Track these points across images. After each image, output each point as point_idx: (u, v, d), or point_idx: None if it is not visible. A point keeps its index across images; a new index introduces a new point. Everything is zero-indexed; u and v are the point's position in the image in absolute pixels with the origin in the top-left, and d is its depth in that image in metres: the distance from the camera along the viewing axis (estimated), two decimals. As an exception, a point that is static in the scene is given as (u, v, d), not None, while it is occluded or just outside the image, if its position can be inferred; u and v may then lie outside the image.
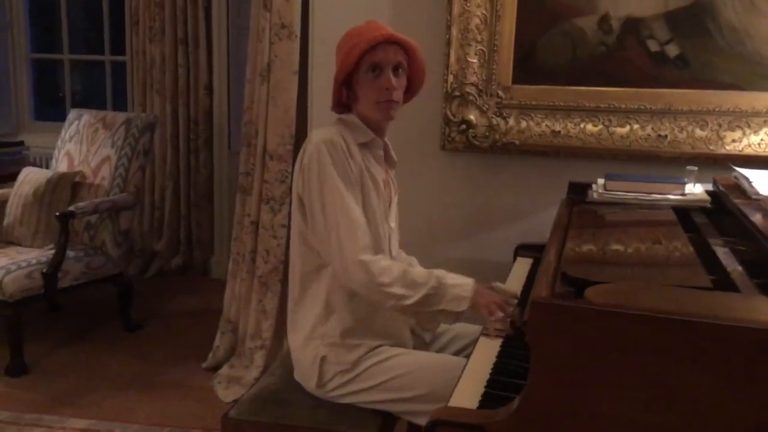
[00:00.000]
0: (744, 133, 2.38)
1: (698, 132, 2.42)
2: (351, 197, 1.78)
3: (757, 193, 1.89)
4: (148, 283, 4.43)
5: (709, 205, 2.10)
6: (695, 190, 2.21)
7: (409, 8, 2.65)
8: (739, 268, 1.51)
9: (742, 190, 2.04)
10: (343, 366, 1.84)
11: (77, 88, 5.41)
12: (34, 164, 4.42)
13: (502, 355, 1.59)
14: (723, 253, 1.62)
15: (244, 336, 3.07)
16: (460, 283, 1.74)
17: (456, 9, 2.52)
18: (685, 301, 1.18)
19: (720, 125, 2.40)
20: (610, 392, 1.14)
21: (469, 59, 2.55)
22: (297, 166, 1.88)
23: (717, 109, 2.40)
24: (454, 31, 2.54)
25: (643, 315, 1.11)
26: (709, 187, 2.28)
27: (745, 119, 2.38)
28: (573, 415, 1.16)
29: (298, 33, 2.77)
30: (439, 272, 1.77)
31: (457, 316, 1.76)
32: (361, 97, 1.84)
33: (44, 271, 3.15)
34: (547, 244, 1.82)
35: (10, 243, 3.48)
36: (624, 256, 1.58)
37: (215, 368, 3.12)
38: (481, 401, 1.37)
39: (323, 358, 1.84)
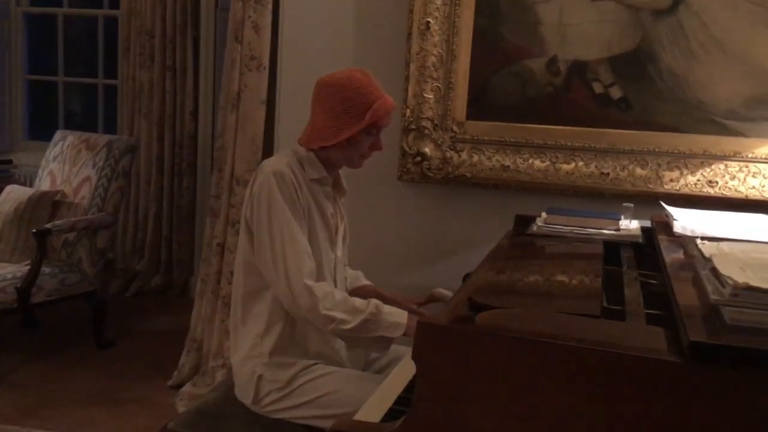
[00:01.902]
0: (681, 173, 2.48)
1: (639, 171, 2.52)
2: (297, 226, 1.88)
3: (678, 231, 1.99)
4: (127, 301, 4.53)
5: (640, 241, 2.20)
6: (631, 225, 2.31)
7: (373, 44, 2.78)
8: (640, 299, 1.61)
9: (669, 227, 2.14)
10: (278, 384, 1.93)
11: (75, 109, 5.57)
12: (22, 182, 4.56)
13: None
14: (632, 286, 1.72)
15: (207, 355, 3.16)
16: (395, 311, 1.88)
17: (414, 47, 2.65)
18: (560, 327, 1.27)
19: (659, 165, 2.51)
20: (487, 408, 1.23)
21: (425, 95, 2.67)
22: (247, 193, 1.99)
23: (657, 150, 2.51)
24: (412, 68, 2.66)
25: (514, 337, 1.20)
26: (648, 223, 2.38)
27: (683, 160, 2.49)
28: (454, 428, 1.25)
29: (267, 64, 2.91)
30: (376, 300, 1.90)
31: (389, 344, 1.88)
32: (349, 148, 1.95)
33: (18, 286, 3.25)
34: (475, 271, 1.92)
35: (-11, 258, 3.59)
36: (533, 286, 1.67)
37: (180, 386, 3.20)
38: (384, 416, 1.46)
39: (260, 376, 1.94)
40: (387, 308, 1.88)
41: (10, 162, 4.41)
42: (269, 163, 1.96)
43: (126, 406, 3.07)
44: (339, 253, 2.09)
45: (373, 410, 1.50)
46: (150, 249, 4.67)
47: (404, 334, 1.85)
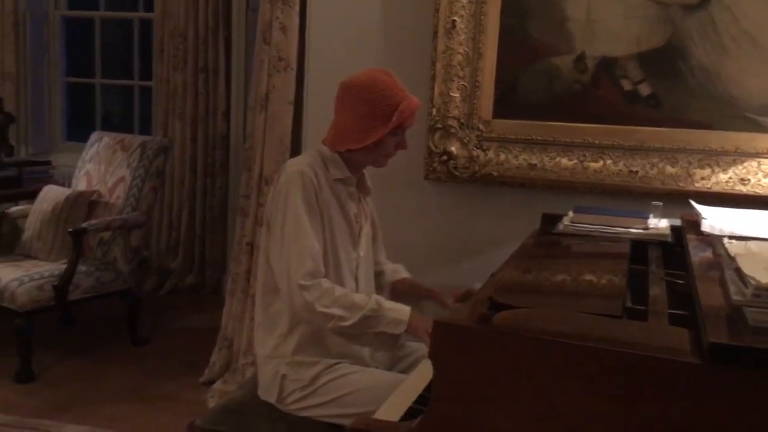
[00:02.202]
0: (713, 171, 2.44)
1: (669, 169, 2.48)
2: (310, 226, 1.89)
3: (706, 230, 1.95)
4: (162, 299, 4.61)
5: (669, 240, 2.17)
6: (660, 224, 2.28)
7: (398, 44, 2.78)
8: (665, 299, 1.58)
9: (699, 226, 2.10)
10: (301, 383, 1.94)
11: (112, 109, 5.67)
12: (61, 183, 4.66)
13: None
14: (657, 286, 1.69)
15: (238, 352, 3.19)
16: (398, 308, 1.87)
17: (440, 46, 2.64)
18: (580, 327, 1.26)
19: (690, 163, 2.47)
20: (504, 407, 1.23)
21: (451, 94, 2.66)
22: (271, 191, 2.01)
23: (687, 147, 2.47)
24: (438, 67, 2.66)
25: (532, 337, 1.20)
26: (678, 222, 2.34)
27: (714, 158, 2.44)
28: (471, 428, 1.24)
29: (295, 65, 2.93)
30: (379, 297, 1.90)
31: (396, 342, 1.87)
32: (375, 149, 1.96)
33: (55, 284, 3.33)
34: (499, 270, 1.92)
35: (28, 257, 3.68)
36: (556, 285, 1.66)
37: (211, 383, 3.25)
38: (403, 415, 1.47)
39: (283, 376, 1.95)
40: (389, 304, 1.87)
41: (48, 163, 4.52)
42: (292, 163, 1.98)
43: (158, 402, 3.12)
44: (362, 252, 2.10)
45: (392, 409, 1.50)
46: (184, 248, 4.75)
47: (406, 332, 1.85)
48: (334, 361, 1.97)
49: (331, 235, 1.96)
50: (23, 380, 3.25)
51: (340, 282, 1.96)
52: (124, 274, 3.69)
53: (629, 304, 1.61)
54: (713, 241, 1.90)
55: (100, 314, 4.06)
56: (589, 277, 1.71)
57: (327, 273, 1.92)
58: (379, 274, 2.28)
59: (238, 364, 3.17)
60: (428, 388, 1.62)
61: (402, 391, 1.60)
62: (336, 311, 1.81)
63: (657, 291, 1.65)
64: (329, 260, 1.95)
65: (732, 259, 1.47)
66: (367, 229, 2.14)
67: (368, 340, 1.88)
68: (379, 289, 2.31)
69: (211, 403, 3.07)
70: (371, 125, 1.91)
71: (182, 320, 4.25)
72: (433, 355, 1.26)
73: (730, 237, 1.76)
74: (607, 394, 1.16)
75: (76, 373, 3.38)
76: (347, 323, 1.82)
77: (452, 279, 2.77)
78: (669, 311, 1.50)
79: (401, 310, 1.85)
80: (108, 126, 5.32)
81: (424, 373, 1.71)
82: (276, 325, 1.99)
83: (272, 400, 1.97)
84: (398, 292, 2.26)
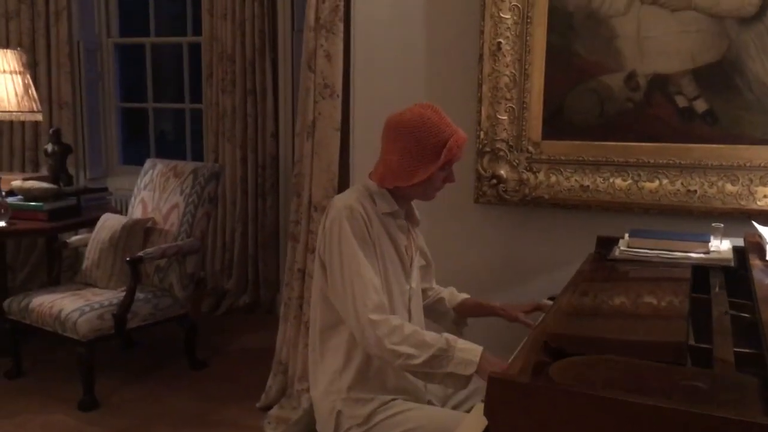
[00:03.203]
0: (776, 189, 2.34)
1: (729, 187, 2.40)
2: (365, 260, 1.88)
3: (772, 256, 1.88)
4: (218, 320, 4.68)
5: (731, 264, 2.09)
6: (721, 247, 2.20)
7: (443, 68, 2.76)
8: (730, 337, 1.52)
9: (763, 250, 2.02)
10: (357, 420, 1.94)
11: (166, 128, 5.79)
12: (117, 207, 4.79)
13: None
14: (720, 320, 1.63)
15: (293, 378, 3.21)
16: (469, 348, 1.81)
17: (486, 69, 2.61)
18: (641, 379, 1.22)
19: (751, 180, 2.37)
20: (563, 466, 1.19)
21: (499, 116, 2.63)
22: (320, 228, 2.01)
23: (747, 164, 2.38)
24: (485, 90, 2.62)
25: (587, 394, 1.16)
26: (740, 241, 2.26)
27: (776, 174, 2.35)
28: (529, 486, 1.21)
29: (340, 92, 2.93)
30: (450, 336, 1.85)
31: (466, 382, 1.82)
32: (422, 184, 1.94)
33: (114, 312, 3.41)
34: (556, 301, 1.87)
35: (88, 285, 3.77)
36: (613, 324, 1.61)
37: (268, 408, 3.27)
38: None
39: (339, 412, 1.95)
40: (461, 344, 1.81)
41: (105, 189, 4.63)
42: (340, 198, 1.98)
43: (218, 428, 3.17)
44: (413, 284, 2.08)
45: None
46: (238, 268, 4.81)
47: (476, 373, 1.79)
48: (389, 397, 1.96)
49: (383, 268, 1.95)
50: (87, 408, 3.33)
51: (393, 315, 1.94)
52: (180, 300, 3.76)
53: (692, 341, 1.55)
54: (779, 268, 1.83)
55: (159, 338, 4.14)
56: (648, 310, 1.65)
57: None
58: (438, 302, 2.27)
59: (293, 390, 3.19)
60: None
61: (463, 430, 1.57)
62: (405, 349, 1.79)
63: (720, 326, 1.58)
64: (383, 293, 1.94)
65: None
66: (417, 260, 2.13)
67: (439, 379, 1.83)
68: (440, 316, 2.29)
69: (269, 430, 3.10)
70: (420, 163, 1.90)
71: (238, 341, 4.30)
72: (488, 411, 1.24)
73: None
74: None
75: (138, 400, 3.45)
76: (416, 362, 1.79)
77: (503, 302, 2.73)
78: (735, 350, 1.44)
79: (472, 351, 1.80)
80: (162, 148, 5.45)
81: (480, 413, 1.68)
82: (332, 361, 1.98)
83: (328, 436, 1.97)
84: (463, 314, 2.25)
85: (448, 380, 1.83)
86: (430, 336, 1.83)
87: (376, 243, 1.94)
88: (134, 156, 5.59)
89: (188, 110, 5.28)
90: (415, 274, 2.11)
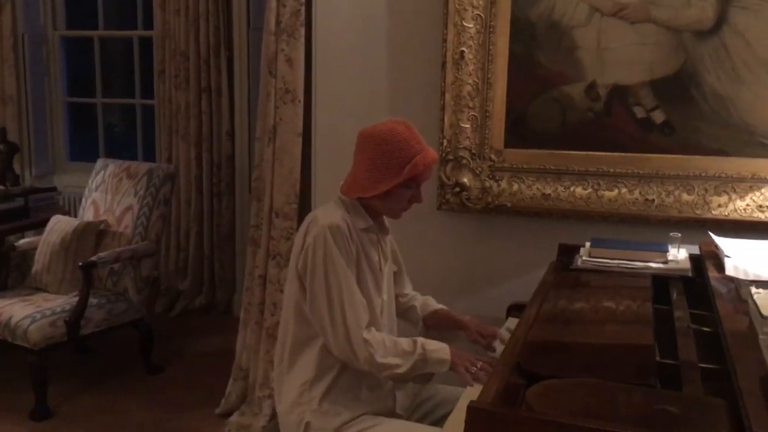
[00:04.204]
0: (730, 198, 2.42)
1: (685, 196, 2.46)
2: (353, 280, 1.92)
3: (730, 273, 1.93)
4: (173, 321, 4.60)
5: (689, 275, 2.15)
6: (679, 256, 2.26)
7: (407, 76, 2.75)
8: (694, 351, 1.56)
9: (719, 261, 2.08)
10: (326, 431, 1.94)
11: (116, 128, 5.64)
12: (65, 206, 4.65)
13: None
14: (684, 334, 1.68)
15: (254, 384, 3.18)
16: (438, 347, 1.93)
17: (449, 77, 2.62)
18: (614, 404, 1.25)
19: (706, 190, 2.44)
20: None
21: (462, 124, 2.64)
22: (298, 243, 1.98)
23: (703, 174, 2.44)
24: (448, 98, 2.63)
25: (569, 424, 1.18)
26: (696, 249, 2.32)
27: (730, 184, 2.42)
28: None
29: (302, 98, 2.90)
30: (420, 339, 1.95)
31: (430, 378, 1.95)
32: (388, 199, 1.96)
33: (67, 319, 3.32)
34: (522, 316, 1.90)
35: (38, 290, 3.66)
36: (583, 344, 1.65)
37: (227, 414, 3.24)
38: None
39: (308, 424, 1.95)
40: (430, 345, 1.93)
41: (54, 189, 4.49)
42: (323, 215, 1.96)
43: (176, 436, 3.12)
44: (385, 297, 2.10)
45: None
46: (193, 268, 4.73)
47: (450, 368, 1.91)
48: (358, 412, 1.96)
49: (360, 283, 1.97)
50: (39, 418, 3.24)
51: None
52: (135, 304, 3.68)
53: (658, 357, 1.59)
54: (738, 283, 1.88)
55: (113, 343, 4.03)
56: (615, 327, 1.69)
57: None
58: (409, 310, 2.28)
59: (254, 396, 3.16)
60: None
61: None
62: (392, 360, 1.87)
63: (685, 341, 1.63)
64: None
65: (765, 318, 1.45)
66: (387, 270, 2.13)
67: (411, 379, 1.95)
68: (410, 323, 2.31)
69: (229, 437, 3.07)
70: (383, 176, 1.91)
71: (195, 344, 4.23)
72: (468, 440, 1.25)
73: (757, 283, 1.74)
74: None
75: (93, 408, 3.37)
76: (401, 370, 1.88)
77: (468, 310, 2.73)
78: (701, 365, 1.49)
79: (442, 350, 1.91)
80: (111, 144, 5.31)
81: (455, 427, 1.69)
82: (301, 372, 1.98)
83: (295, 450, 1.97)
84: (429, 327, 2.27)
85: (418, 378, 1.95)
86: (405, 343, 1.92)
87: (354, 260, 1.95)
88: (82, 152, 5.43)
89: (139, 105, 5.15)
90: (386, 285, 2.11)
